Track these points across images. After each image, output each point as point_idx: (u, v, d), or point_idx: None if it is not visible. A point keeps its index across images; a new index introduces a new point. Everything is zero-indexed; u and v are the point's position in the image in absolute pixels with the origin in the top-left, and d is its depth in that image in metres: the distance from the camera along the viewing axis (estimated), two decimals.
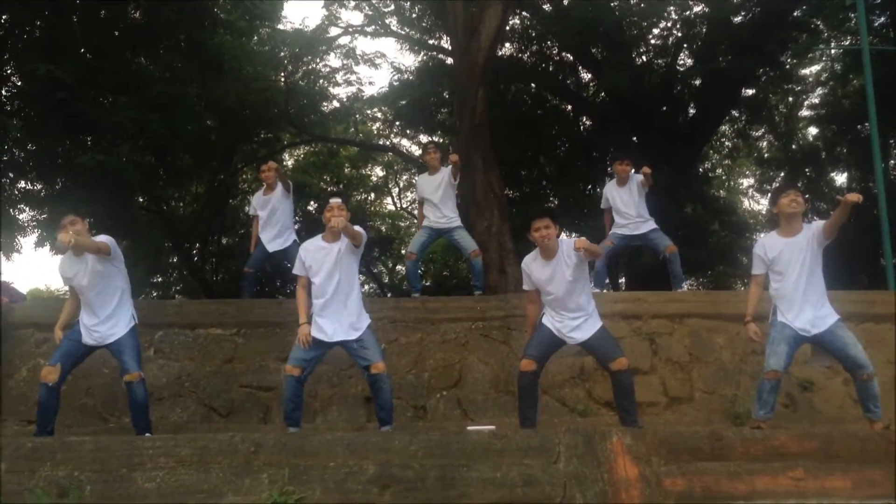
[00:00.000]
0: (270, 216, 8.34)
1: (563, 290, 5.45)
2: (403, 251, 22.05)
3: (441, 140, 21.75)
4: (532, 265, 5.60)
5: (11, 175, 12.04)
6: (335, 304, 5.66)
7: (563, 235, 5.77)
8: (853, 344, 5.48)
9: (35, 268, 49.51)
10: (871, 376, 5.47)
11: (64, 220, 5.65)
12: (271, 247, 8.34)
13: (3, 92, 11.67)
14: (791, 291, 5.59)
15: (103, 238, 5.61)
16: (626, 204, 8.43)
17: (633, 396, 5.55)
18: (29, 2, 11.17)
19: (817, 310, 5.57)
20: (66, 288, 5.93)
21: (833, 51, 16.85)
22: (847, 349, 5.47)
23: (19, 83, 11.84)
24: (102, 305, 5.63)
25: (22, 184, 12.63)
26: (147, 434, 5.51)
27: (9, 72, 11.80)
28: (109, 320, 5.63)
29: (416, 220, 25.71)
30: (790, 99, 19.96)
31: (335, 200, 5.84)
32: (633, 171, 8.49)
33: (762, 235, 5.92)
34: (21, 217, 13.26)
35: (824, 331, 5.51)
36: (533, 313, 5.75)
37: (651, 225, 8.43)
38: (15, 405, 6.97)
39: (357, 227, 5.69)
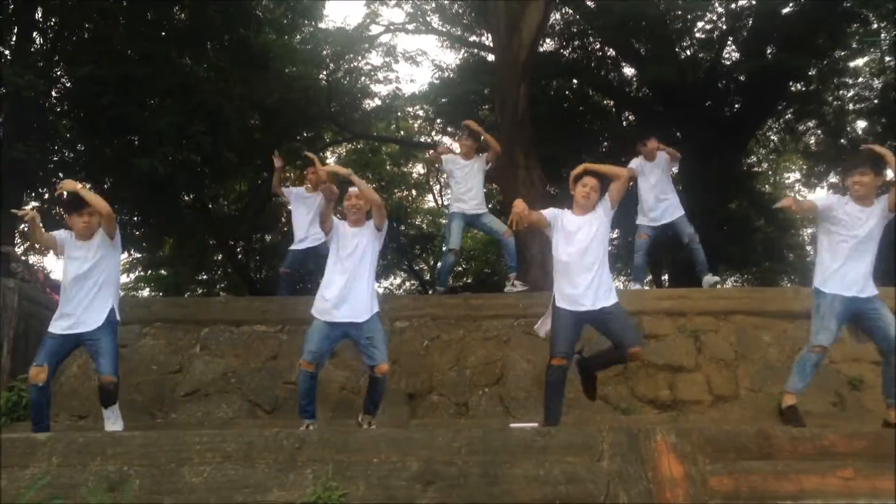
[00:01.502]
0: (310, 213, 8.41)
1: (584, 245, 5.47)
2: (444, 248, 22.09)
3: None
4: (563, 214, 5.66)
5: (62, 175, 12.28)
6: (346, 288, 5.75)
7: None
8: (892, 325, 5.43)
9: None
10: None
11: (82, 214, 5.67)
12: (304, 244, 8.41)
13: (53, 93, 11.92)
14: (843, 256, 5.57)
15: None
16: (655, 184, 8.39)
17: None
18: (79, 4, 11.41)
19: (865, 280, 5.53)
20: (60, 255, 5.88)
21: (883, 42, 16.45)
22: (888, 329, 5.43)
23: (69, 85, 12.09)
24: (87, 295, 5.62)
25: None
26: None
27: (58, 73, 12.06)
28: (87, 309, 5.61)
29: None
30: (840, 92, 19.54)
31: (354, 189, 5.96)
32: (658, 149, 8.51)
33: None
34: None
35: (868, 298, 5.49)
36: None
37: (680, 211, 8.38)
38: (67, 401, 7.12)
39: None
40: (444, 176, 8.55)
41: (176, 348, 7.48)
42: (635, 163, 8.66)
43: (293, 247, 8.64)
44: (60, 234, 5.78)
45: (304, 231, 8.46)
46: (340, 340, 5.93)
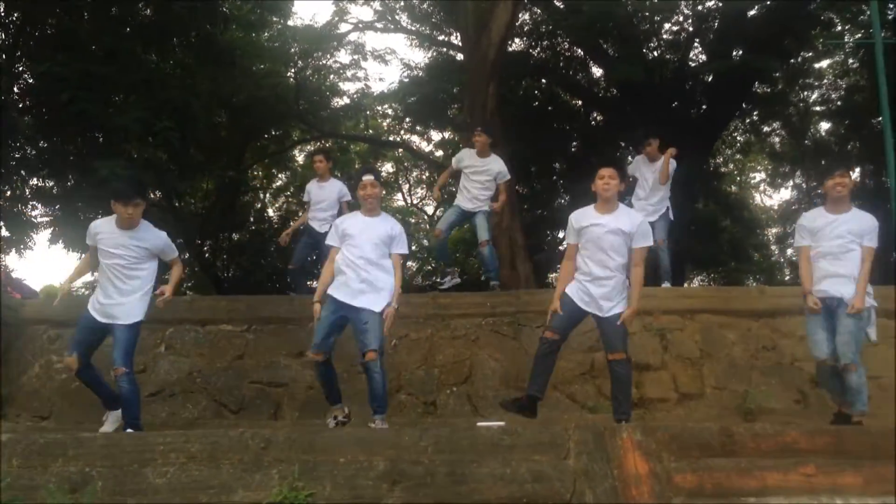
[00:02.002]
0: (325, 200, 8.54)
1: (610, 242, 5.34)
2: (414, 247, 22.05)
3: (451, 136, 21.74)
4: (584, 216, 5.48)
5: (23, 172, 12.08)
6: (362, 274, 5.57)
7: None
8: (843, 334, 5.50)
9: (47, 265, 49.70)
10: (846, 367, 5.49)
11: (128, 205, 5.48)
12: (325, 227, 8.20)
13: (15, 89, 11.71)
14: (826, 266, 5.63)
15: (167, 249, 5.78)
16: (654, 187, 8.46)
17: (628, 389, 5.47)
18: None
19: (845, 285, 5.57)
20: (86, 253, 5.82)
21: (847, 45, 16.72)
22: (839, 336, 5.50)
23: (31, 80, 11.88)
24: (125, 286, 5.54)
25: (34, 181, 12.67)
26: (128, 430, 5.45)
27: (20, 69, 11.85)
28: (123, 301, 5.53)
29: (426, 216, 25.79)
30: (804, 93, 19.84)
31: (368, 177, 5.77)
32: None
33: (806, 213, 6.01)
34: (33, 214, 13.33)
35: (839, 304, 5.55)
36: (568, 271, 5.58)
37: (656, 217, 8.44)
38: (28, 401, 7.01)
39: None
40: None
41: (140, 348, 7.31)
42: (639, 161, 8.72)
43: (311, 223, 8.64)
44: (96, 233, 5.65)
45: (324, 213, 8.51)
46: (344, 327, 5.68)
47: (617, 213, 5.41)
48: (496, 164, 8.38)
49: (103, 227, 5.62)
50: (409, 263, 24.10)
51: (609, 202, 5.41)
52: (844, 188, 5.68)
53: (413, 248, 22.17)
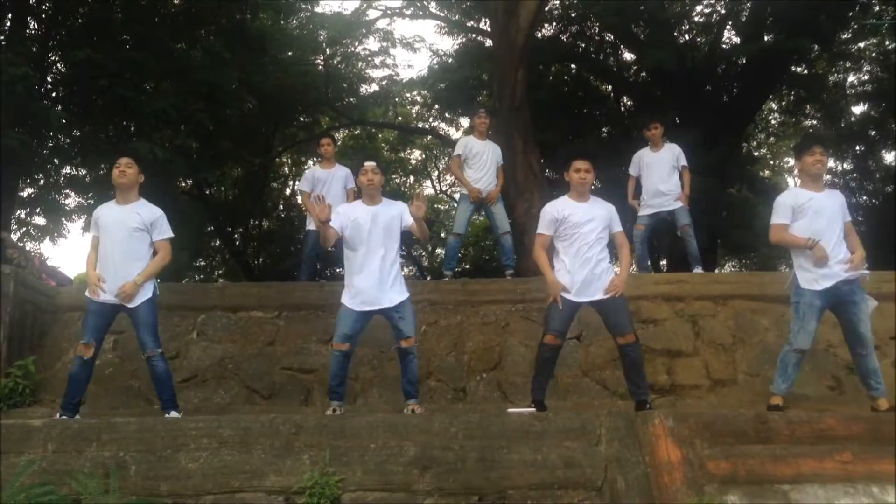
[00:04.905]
0: (330, 191, 8.26)
1: (595, 236, 5.45)
2: (443, 234, 22.04)
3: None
4: (564, 207, 5.54)
5: (56, 161, 12.23)
6: (376, 271, 5.58)
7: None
8: (866, 321, 5.44)
9: (81, 252, 50.41)
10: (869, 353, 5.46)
11: (119, 165, 5.63)
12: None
13: (48, 79, 11.84)
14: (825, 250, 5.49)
15: (159, 224, 5.72)
16: (661, 169, 8.36)
17: (642, 370, 5.48)
18: None
19: (838, 264, 5.49)
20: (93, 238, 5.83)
21: (883, 26, 16.36)
22: (858, 326, 5.44)
23: (63, 70, 12.00)
24: (127, 265, 5.59)
25: (67, 169, 12.83)
26: (173, 412, 5.55)
27: (53, 59, 11.98)
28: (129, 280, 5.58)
29: (455, 204, 25.73)
30: (840, 76, 19.46)
31: (370, 164, 5.78)
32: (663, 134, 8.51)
33: (785, 192, 5.88)
34: (67, 202, 13.51)
35: (846, 292, 5.46)
36: (546, 258, 5.62)
37: (680, 203, 8.35)
38: (63, 387, 7.08)
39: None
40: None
41: (173, 334, 7.45)
42: (641, 153, 8.63)
43: (310, 227, 8.54)
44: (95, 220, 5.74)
45: (323, 190, 8.19)
46: (372, 318, 5.72)
47: (591, 202, 5.57)
48: (496, 148, 8.45)
49: (102, 210, 5.77)
50: (439, 250, 24.12)
51: (584, 193, 5.56)
52: (824, 165, 5.58)
53: (442, 235, 22.14)
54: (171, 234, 5.79)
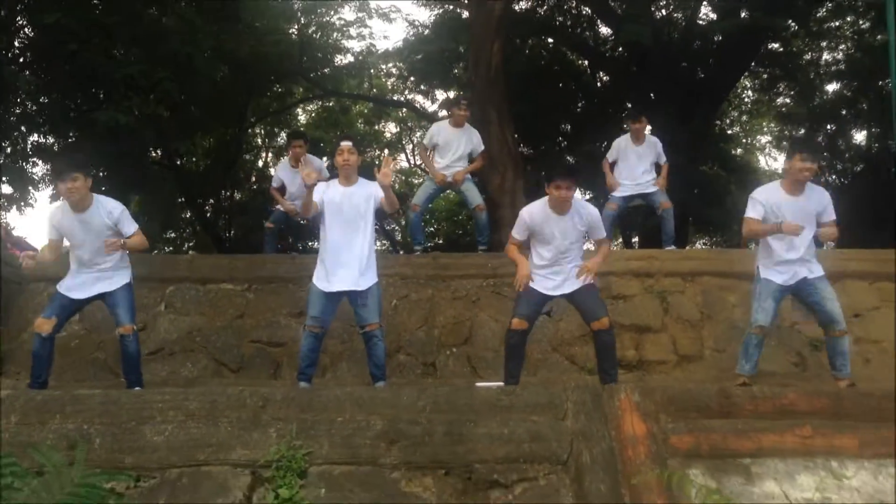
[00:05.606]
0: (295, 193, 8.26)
1: (569, 243, 5.49)
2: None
3: (456, 93, 21.52)
4: (537, 216, 5.53)
5: (24, 128, 11.99)
6: (348, 252, 5.57)
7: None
8: (831, 299, 5.54)
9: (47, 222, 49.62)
10: (843, 332, 5.58)
11: (65, 180, 5.41)
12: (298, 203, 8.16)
13: (16, 44, 11.58)
14: (785, 248, 5.58)
15: (124, 219, 5.58)
16: (640, 163, 8.37)
17: (614, 356, 5.58)
18: None
19: (802, 263, 5.59)
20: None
21: (858, 4, 16.44)
22: (824, 303, 5.54)
23: (31, 35, 11.74)
24: (101, 262, 5.57)
25: (34, 137, 12.60)
26: (137, 388, 5.53)
27: (21, 23, 11.71)
28: (105, 274, 5.59)
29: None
30: (814, 54, 19.57)
31: (346, 143, 5.72)
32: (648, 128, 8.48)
33: (762, 188, 5.86)
34: (34, 171, 13.28)
35: (805, 281, 5.58)
36: (517, 250, 5.66)
37: (655, 188, 8.39)
38: (28, 358, 6.98)
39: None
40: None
41: (140, 306, 7.34)
42: (621, 140, 8.60)
43: (278, 207, 8.52)
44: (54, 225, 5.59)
45: (298, 190, 8.21)
46: (343, 298, 5.66)
47: (572, 212, 5.50)
48: (474, 135, 8.38)
49: (60, 217, 5.54)
50: None
51: (563, 208, 5.48)
52: (810, 174, 5.55)
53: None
54: (136, 224, 5.66)
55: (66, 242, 5.66)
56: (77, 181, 5.39)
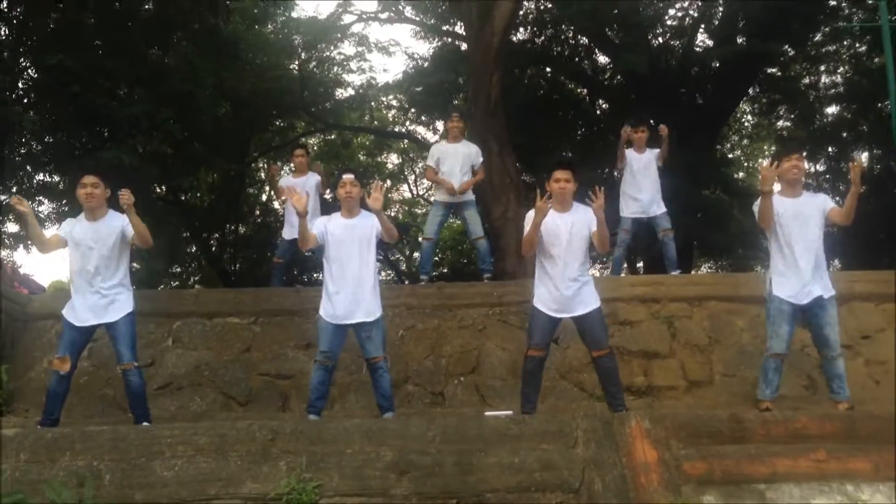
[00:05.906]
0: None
1: (568, 244, 5.45)
2: (420, 238, 22.03)
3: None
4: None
5: (29, 168, 12.08)
6: (353, 284, 5.58)
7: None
8: (832, 325, 5.55)
9: (55, 259, 49.90)
10: (837, 356, 5.60)
11: (85, 185, 5.49)
12: (291, 234, 8.19)
13: (20, 85, 11.69)
14: (795, 260, 5.57)
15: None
16: (647, 183, 8.37)
17: (617, 379, 5.58)
18: None
19: (817, 281, 5.56)
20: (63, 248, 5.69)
21: (854, 28, 16.59)
22: (824, 328, 5.56)
23: (35, 75, 11.86)
24: (105, 280, 5.52)
25: (40, 176, 12.68)
26: (145, 423, 5.49)
27: (25, 64, 11.84)
28: (108, 297, 5.53)
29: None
30: (812, 78, 19.69)
31: (348, 176, 5.76)
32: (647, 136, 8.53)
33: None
34: (40, 209, 13.33)
35: (819, 300, 5.55)
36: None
37: (662, 208, 8.40)
38: (36, 396, 7.00)
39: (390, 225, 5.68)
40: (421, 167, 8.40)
41: (148, 342, 7.38)
42: (627, 151, 8.60)
43: (285, 235, 8.54)
44: (66, 229, 5.62)
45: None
46: (348, 332, 5.70)
47: (573, 211, 5.55)
48: (473, 148, 8.46)
49: (74, 226, 5.60)
50: (416, 255, 24.09)
51: (565, 203, 5.53)
52: (800, 171, 5.63)
53: (419, 239, 22.12)
54: None
55: (67, 249, 5.63)
56: (98, 187, 5.51)
